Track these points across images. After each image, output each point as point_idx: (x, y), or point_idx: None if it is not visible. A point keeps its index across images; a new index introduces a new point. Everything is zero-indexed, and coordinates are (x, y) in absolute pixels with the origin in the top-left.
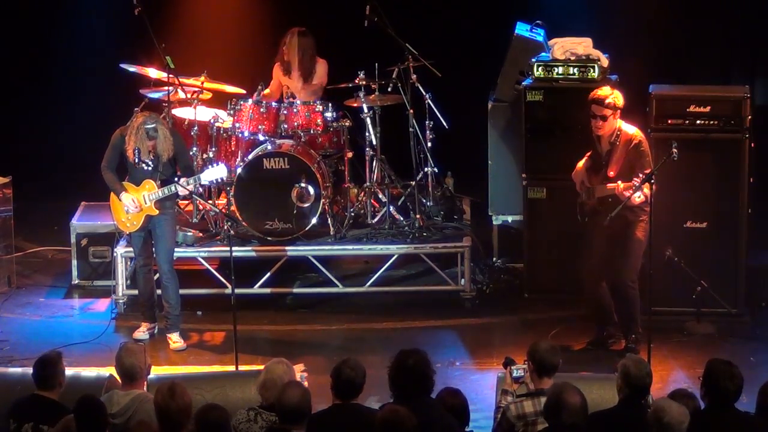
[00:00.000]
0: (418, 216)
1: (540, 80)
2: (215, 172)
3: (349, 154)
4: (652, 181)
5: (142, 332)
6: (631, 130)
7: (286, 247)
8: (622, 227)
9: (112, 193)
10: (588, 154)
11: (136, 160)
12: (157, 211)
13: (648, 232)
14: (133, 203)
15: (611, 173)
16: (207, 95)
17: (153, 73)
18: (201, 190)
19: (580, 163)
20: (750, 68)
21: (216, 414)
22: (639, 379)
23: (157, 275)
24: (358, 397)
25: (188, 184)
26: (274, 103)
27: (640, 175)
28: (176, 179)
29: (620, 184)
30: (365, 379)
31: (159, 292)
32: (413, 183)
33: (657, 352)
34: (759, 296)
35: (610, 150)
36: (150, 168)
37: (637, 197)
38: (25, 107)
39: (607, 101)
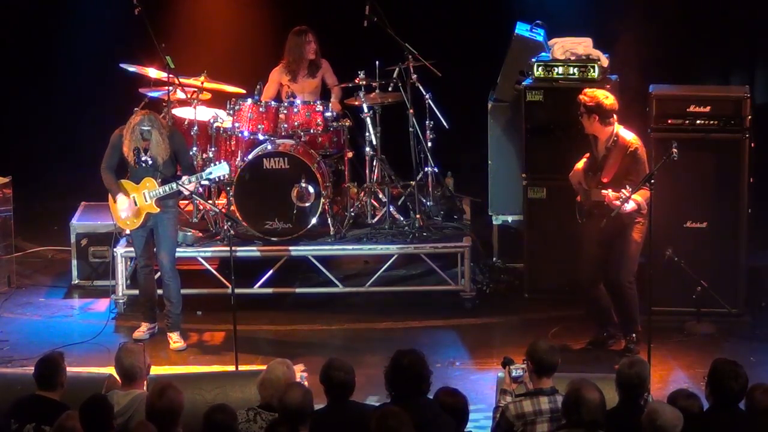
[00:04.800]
0: (418, 216)
1: (540, 80)
2: (218, 170)
3: (349, 154)
4: (652, 181)
5: (142, 332)
6: (628, 136)
7: (286, 247)
8: (619, 229)
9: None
10: (587, 155)
11: (136, 159)
12: (158, 209)
13: (645, 233)
14: (129, 208)
15: (605, 179)
16: (206, 96)
17: (153, 73)
18: (201, 189)
19: (579, 164)
20: (750, 68)
21: (222, 416)
22: (627, 378)
23: (158, 274)
24: (353, 395)
25: (190, 182)
26: (273, 103)
27: (628, 187)
28: (177, 178)
29: (610, 193)
30: (354, 375)
31: (160, 291)
32: (413, 183)
33: (657, 352)
34: (759, 296)
35: (606, 155)
36: (149, 166)
37: (628, 207)
38: (26, 107)
39: (579, 99)
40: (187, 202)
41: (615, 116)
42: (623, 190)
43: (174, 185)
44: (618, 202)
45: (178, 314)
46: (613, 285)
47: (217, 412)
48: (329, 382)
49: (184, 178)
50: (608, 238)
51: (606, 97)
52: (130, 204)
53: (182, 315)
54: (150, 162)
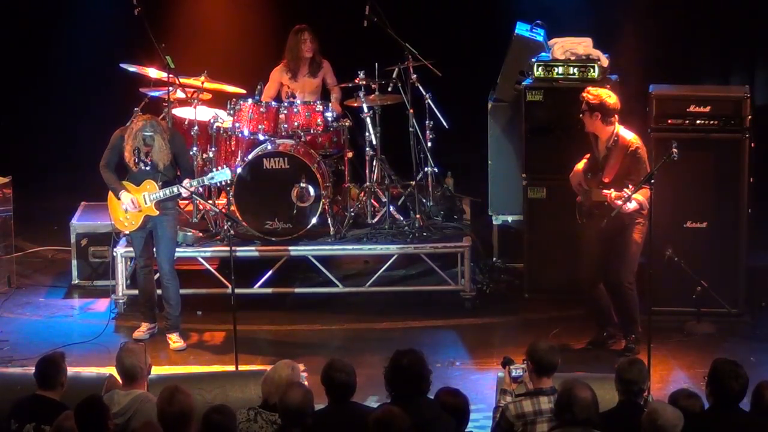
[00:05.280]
0: (418, 216)
1: (540, 80)
2: (220, 176)
3: (349, 154)
4: (652, 181)
5: (142, 332)
6: (629, 136)
7: (287, 247)
8: (619, 229)
9: (110, 192)
10: (587, 156)
11: (136, 160)
12: (158, 212)
13: (645, 234)
14: (132, 203)
15: (606, 179)
16: (206, 96)
17: (153, 73)
18: (201, 190)
19: (579, 165)
20: (750, 68)
21: (220, 417)
22: (627, 378)
23: (157, 275)
24: (354, 395)
25: (191, 186)
26: (274, 103)
27: (630, 186)
28: (178, 181)
29: (612, 193)
30: (356, 376)
31: (159, 291)
32: (413, 183)
33: (657, 352)
34: (759, 296)
35: (607, 155)
36: (149, 168)
37: (630, 206)
38: (26, 107)
39: (583, 96)
40: (187, 202)
41: (616, 116)
42: (625, 190)
43: (175, 188)
44: (620, 202)
45: (176, 316)
46: (613, 285)
47: (215, 412)
48: (330, 383)
49: (186, 181)
50: (608, 239)
51: (609, 96)
52: (134, 200)
53: (181, 316)
54: (150, 165)
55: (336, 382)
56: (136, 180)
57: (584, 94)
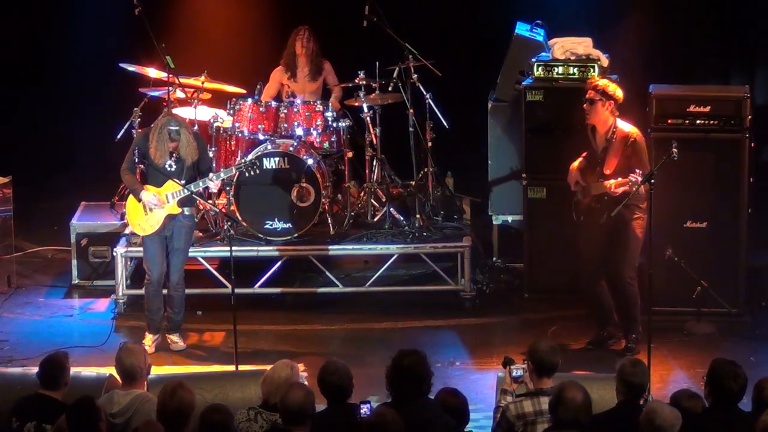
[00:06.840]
0: (418, 216)
1: (540, 80)
2: (250, 166)
3: (349, 154)
4: (652, 180)
5: (147, 346)
6: (626, 127)
7: (286, 247)
8: (620, 225)
9: (129, 197)
10: (583, 154)
11: (164, 161)
12: (180, 210)
13: (645, 229)
14: (155, 197)
15: (607, 171)
16: (206, 96)
17: (153, 73)
18: (201, 189)
19: (574, 164)
20: (750, 68)
21: (218, 417)
22: (628, 378)
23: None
24: (351, 397)
25: (217, 178)
26: (273, 103)
27: (637, 171)
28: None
29: (611, 183)
30: (351, 378)
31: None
32: (413, 183)
33: (657, 352)
34: (759, 296)
35: (606, 147)
36: (173, 169)
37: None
38: (26, 107)
39: (595, 84)
40: None
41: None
42: (632, 175)
43: (200, 183)
44: (620, 189)
45: (178, 320)
46: (615, 280)
47: (213, 412)
48: (323, 386)
49: (211, 174)
50: (609, 235)
51: (617, 86)
52: (156, 195)
53: (183, 319)
54: (174, 166)
55: (328, 385)
56: (156, 182)
57: (597, 83)
